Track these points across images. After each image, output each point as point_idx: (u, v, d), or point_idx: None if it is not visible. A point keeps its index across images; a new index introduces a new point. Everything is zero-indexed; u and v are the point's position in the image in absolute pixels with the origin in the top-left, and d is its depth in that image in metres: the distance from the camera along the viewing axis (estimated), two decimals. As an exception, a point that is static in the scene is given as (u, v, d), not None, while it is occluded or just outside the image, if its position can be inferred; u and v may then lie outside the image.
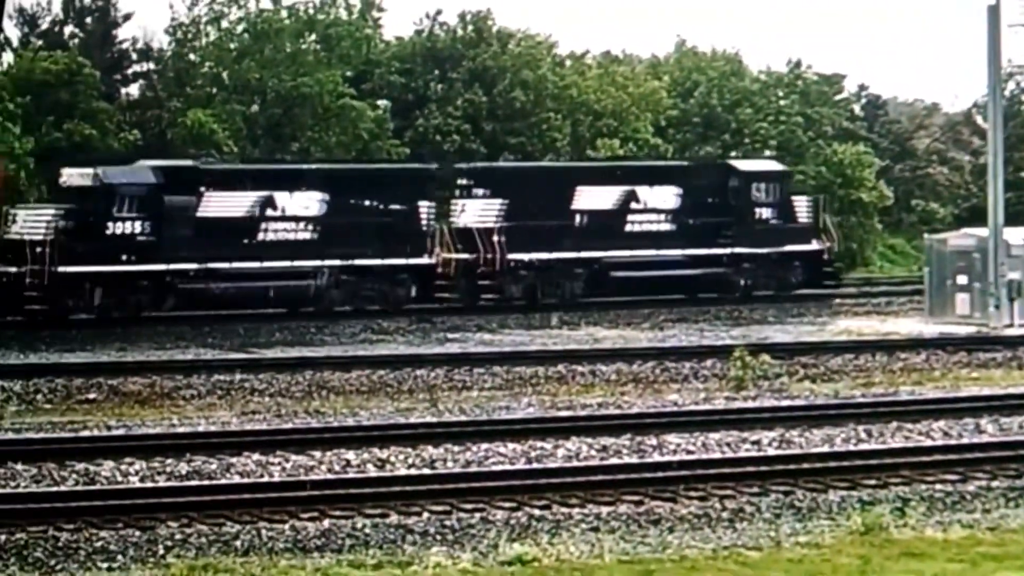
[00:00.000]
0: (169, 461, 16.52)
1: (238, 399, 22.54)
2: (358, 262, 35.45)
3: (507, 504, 14.72)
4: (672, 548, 12.90)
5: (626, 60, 59.72)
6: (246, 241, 34.68)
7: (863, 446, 18.04)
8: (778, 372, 24.80)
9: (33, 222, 33.17)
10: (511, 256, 37.12)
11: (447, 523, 14.03)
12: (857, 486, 15.68)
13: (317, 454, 17.09)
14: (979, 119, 60.08)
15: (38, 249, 32.15)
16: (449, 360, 26.19)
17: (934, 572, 11.40)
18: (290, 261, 34.67)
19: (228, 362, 26.04)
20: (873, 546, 12.50)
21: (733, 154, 50.77)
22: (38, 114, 43.04)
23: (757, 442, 18.24)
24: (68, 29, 49.14)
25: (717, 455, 17.30)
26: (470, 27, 52.70)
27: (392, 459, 17.10)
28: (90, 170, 34.27)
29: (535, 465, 16.70)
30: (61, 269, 32.08)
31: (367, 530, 13.72)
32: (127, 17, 49.16)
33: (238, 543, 13.03)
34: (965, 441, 18.29)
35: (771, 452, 17.51)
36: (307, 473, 16.15)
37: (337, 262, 35.19)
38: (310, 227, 35.41)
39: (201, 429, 19.19)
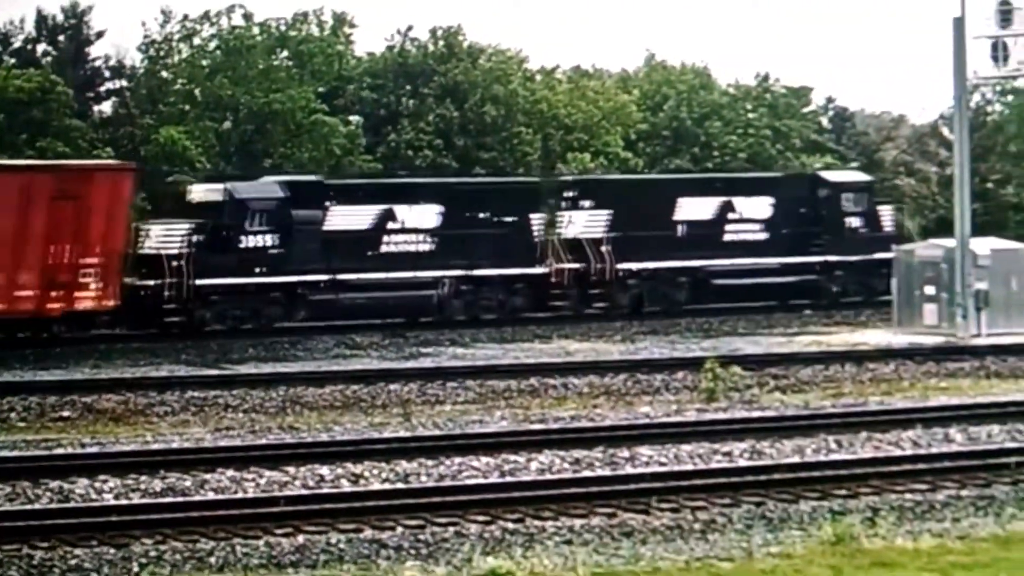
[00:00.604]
0: (143, 478, 16.43)
1: (212, 415, 22.46)
2: (477, 272, 36.55)
3: (481, 518, 14.69)
4: (645, 560, 12.90)
5: (596, 74, 59.81)
6: (369, 253, 35.59)
7: (833, 456, 18.03)
8: (749, 383, 24.79)
9: (168, 237, 33.82)
10: (619, 266, 38.25)
11: (421, 537, 13.99)
12: (828, 496, 15.69)
13: (291, 470, 17.01)
14: (945, 130, 60.25)
15: (174, 263, 32.96)
16: (422, 375, 26.12)
17: (906, 580, 11.42)
18: (411, 272, 35.64)
19: (202, 379, 25.95)
20: (844, 556, 12.50)
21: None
22: (11, 132, 42.83)
23: (728, 453, 18.27)
24: (41, 47, 48.96)
25: (689, 467, 17.29)
26: (441, 43, 52.74)
27: (366, 474, 17.05)
28: (220, 186, 35.50)
29: (508, 479, 16.68)
30: (198, 282, 32.98)
31: (341, 545, 13.66)
32: (100, 35, 49.05)
33: (213, 559, 12.99)
34: (934, 451, 18.34)
35: (742, 463, 17.54)
36: (281, 489, 16.08)
37: (457, 272, 36.29)
38: (429, 239, 36.47)
39: (175, 446, 19.14)
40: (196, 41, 49.10)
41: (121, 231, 32.52)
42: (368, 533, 14.15)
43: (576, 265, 37.99)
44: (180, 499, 15.48)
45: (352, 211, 35.89)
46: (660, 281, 38.72)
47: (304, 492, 15.91)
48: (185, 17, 48.74)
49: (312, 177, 38.95)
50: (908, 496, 15.80)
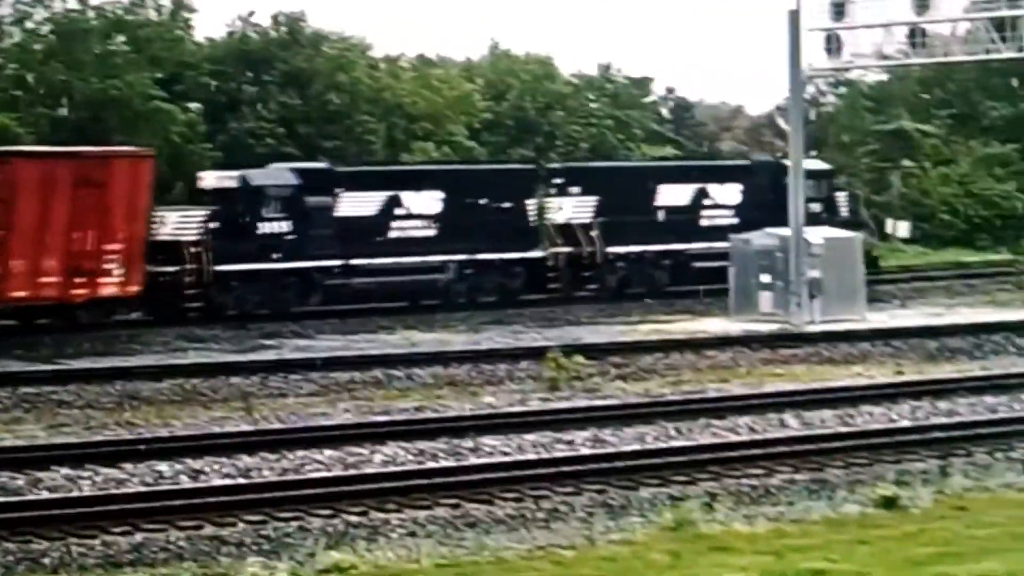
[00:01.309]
0: (-26, 478, 15.99)
1: (46, 412, 21.80)
2: (480, 256, 37.34)
3: (324, 512, 14.60)
4: (488, 550, 12.95)
5: (440, 63, 59.77)
6: (378, 239, 36.27)
7: (673, 443, 18.24)
8: (591, 372, 24.89)
9: (185, 223, 34.00)
10: (608, 249, 39.40)
11: (263, 532, 13.86)
12: (667, 483, 15.91)
13: (129, 467, 16.64)
14: (780, 121, 61.78)
15: (192, 249, 33.21)
16: (265, 367, 25.70)
17: (741, 565, 11.57)
18: (418, 257, 36.40)
19: (35, 374, 25.08)
20: (683, 541, 12.65)
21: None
22: None
23: (571, 442, 18.36)
24: None
25: (532, 456, 17.36)
26: (284, 29, 52.09)
27: (206, 469, 16.78)
28: (234, 173, 36.10)
29: (352, 471, 16.59)
30: (218, 268, 33.38)
31: (181, 543, 13.45)
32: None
33: (47, 560, 12.69)
34: (769, 436, 18.67)
35: (584, 452, 17.65)
36: (118, 486, 15.73)
37: (461, 256, 37.08)
38: (432, 224, 37.23)
39: (7, 444, 18.59)
40: (29, 25, 47.73)
41: (142, 217, 32.66)
42: (209, 530, 13.96)
43: (569, 249, 39.19)
44: (13, 499, 15.04)
45: (360, 197, 36.57)
46: (645, 264, 39.98)
47: (142, 489, 15.59)
48: (17, 1, 47.33)
49: (322, 164, 39.77)
50: (744, 481, 16.09)
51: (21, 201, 30.77)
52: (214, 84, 50.18)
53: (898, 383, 23.37)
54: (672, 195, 41.48)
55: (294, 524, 14.24)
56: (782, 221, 39.98)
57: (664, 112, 67.47)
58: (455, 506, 14.95)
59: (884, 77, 63.91)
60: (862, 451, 17.42)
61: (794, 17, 32.97)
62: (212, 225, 33.93)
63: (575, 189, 40.23)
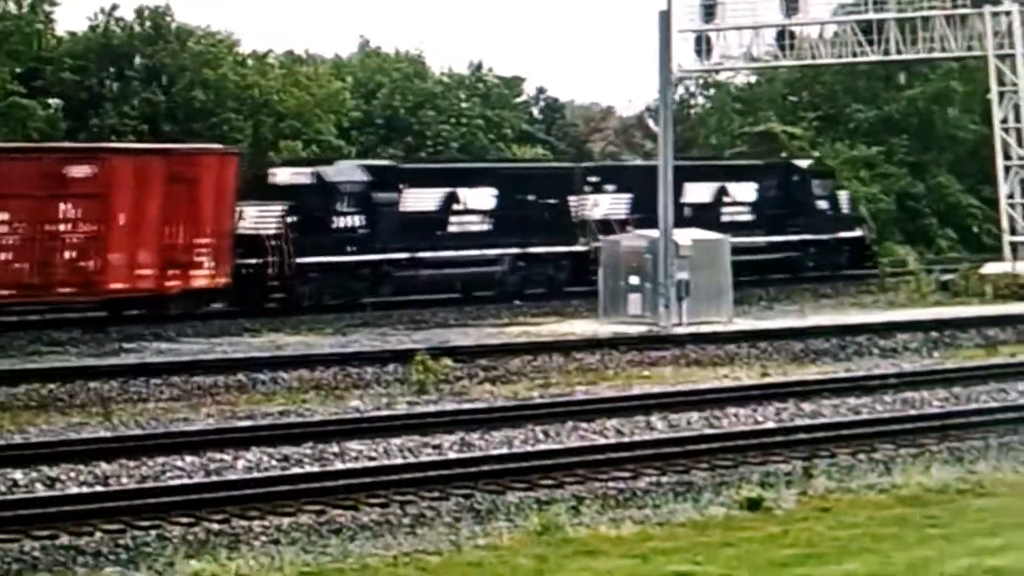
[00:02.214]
0: None
1: None
2: (531, 250, 39.67)
3: (184, 520, 14.40)
4: (353, 557, 12.85)
5: (309, 60, 59.32)
6: (439, 232, 38.30)
7: (540, 447, 18.35)
8: (459, 375, 24.93)
9: (263, 218, 35.42)
10: None
11: (121, 542, 13.62)
12: (535, 487, 15.94)
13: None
14: (650, 122, 62.40)
15: (273, 242, 34.63)
16: (124, 371, 25.18)
17: (608, 569, 11.63)
18: (475, 250, 38.44)
19: None
20: (550, 545, 12.66)
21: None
22: None
23: (438, 446, 18.35)
24: None
25: (399, 461, 17.36)
26: (148, 23, 51.30)
27: (63, 477, 16.46)
28: (306, 169, 38.04)
29: (214, 478, 16.39)
30: (299, 260, 34.99)
31: (35, 553, 13.15)
32: None
33: None
34: (636, 439, 18.78)
35: (451, 456, 17.67)
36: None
37: (515, 250, 39.31)
38: (487, 219, 39.33)
39: None
40: None
41: (228, 212, 34.16)
42: (64, 539, 13.69)
43: None
44: None
45: (423, 193, 38.56)
46: None
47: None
48: None
49: (387, 162, 42.63)
50: (611, 484, 16.19)
51: (117, 197, 32.01)
52: (75, 79, 49.32)
53: (763, 385, 23.72)
54: (697, 192, 44.28)
55: (153, 533, 14.03)
56: (793, 217, 46.05)
57: (535, 112, 67.73)
58: (320, 512, 14.85)
59: (753, 79, 64.98)
60: (728, 453, 17.63)
61: (664, 18, 33.23)
62: (290, 220, 35.47)
63: (610, 187, 42.98)
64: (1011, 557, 11.20)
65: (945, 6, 46.58)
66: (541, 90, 69.07)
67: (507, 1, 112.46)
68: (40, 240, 31.00)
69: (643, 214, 40.80)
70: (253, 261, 34.82)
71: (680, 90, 62.00)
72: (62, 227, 31.38)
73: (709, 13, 48.70)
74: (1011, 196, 44.44)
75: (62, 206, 31.31)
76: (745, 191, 46.03)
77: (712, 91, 67.85)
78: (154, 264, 32.56)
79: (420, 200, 38.36)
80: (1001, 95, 44.78)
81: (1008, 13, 45.67)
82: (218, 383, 24.13)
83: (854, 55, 49.12)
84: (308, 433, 18.87)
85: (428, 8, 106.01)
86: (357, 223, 36.84)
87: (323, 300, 35.79)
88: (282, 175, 37.78)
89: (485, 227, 39.19)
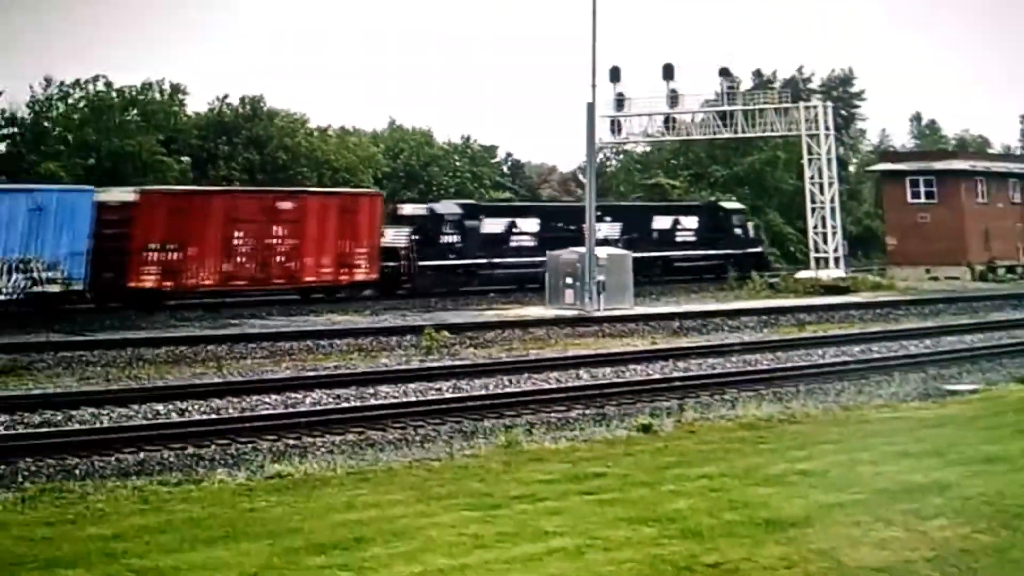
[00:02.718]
0: None
1: None
2: None
3: (270, 437, 14.35)
4: (383, 463, 12.86)
5: (355, 132, 59.16)
6: (504, 247, 39.24)
7: (506, 389, 18.32)
8: (453, 343, 24.89)
9: (397, 236, 36.67)
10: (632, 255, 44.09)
11: (228, 451, 13.47)
12: (502, 416, 16.00)
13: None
14: (581, 176, 62.39)
15: (403, 252, 36.40)
16: (232, 339, 24.40)
17: (550, 470, 11.58)
18: (526, 258, 38.96)
19: None
20: (512, 455, 12.68)
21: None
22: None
23: (439, 389, 18.34)
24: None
25: (413, 399, 17.30)
26: (248, 106, 51.16)
27: (189, 409, 16.18)
28: (422, 205, 40.34)
29: (290, 410, 16.22)
30: (419, 263, 36.66)
31: (171, 459, 13.12)
32: (-1, 93, 45.29)
33: None
34: (570, 384, 18.78)
35: (448, 395, 17.66)
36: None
37: None
38: (533, 239, 40.10)
39: None
40: (70, 101, 46.20)
41: (376, 232, 35.24)
42: (191, 450, 13.66)
43: None
44: None
45: (495, 222, 39.73)
46: (646, 263, 42.14)
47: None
48: (62, 83, 45.96)
49: (472, 201, 44.59)
50: (553, 415, 16.22)
51: (309, 222, 33.35)
52: (199, 144, 48.99)
53: (653, 350, 23.67)
54: (660, 223, 45.25)
55: (249, 446, 13.95)
56: (720, 239, 46.76)
57: (505, 169, 67.63)
58: (360, 432, 14.87)
59: (648, 149, 65.10)
60: (629, 395, 17.64)
61: (590, 108, 33.41)
62: (414, 238, 36.75)
63: (608, 218, 43.00)
64: (813, 463, 11.21)
65: (774, 101, 47.00)
66: (509, 154, 69.11)
67: (487, 90, 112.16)
68: (261, 249, 32.37)
69: (628, 236, 43.06)
70: (391, 264, 36.04)
71: (600, 155, 62.08)
72: (275, 241, 32.79)
73: (620, 104, 48.88)
74: (815, 227, 44.71)
75: (275, 227, 32.73)
76: (691, 222, 46.49)
77: (621, 156, 68.02)
78: (332, 265, 33.83)
79: (493, 226, 39.48)
80: (809, 161, 45.08)
81: (815, 107, 46.18)
82: (293, 347, 24.01)
83: (714, 133, 49.27)
84: (353, 380, 18.84)
85: (435, 97, 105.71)
86: (454, 240, 38.07)
87: (433, 289, 36.47)
88: (407, 209, 39.23)
89: (532, 244, 39.77)
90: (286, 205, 33.24)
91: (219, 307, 31.65)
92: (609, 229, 43.74)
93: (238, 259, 31.70)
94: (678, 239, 45.53)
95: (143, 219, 29.85)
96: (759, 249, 49.11)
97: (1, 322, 25.54)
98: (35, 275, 27.03)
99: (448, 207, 39.79)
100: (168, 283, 30.14)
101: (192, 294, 31.08)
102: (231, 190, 36.97)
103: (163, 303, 30.37)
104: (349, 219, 34.22)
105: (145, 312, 29.36)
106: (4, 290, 26.67)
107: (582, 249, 32.98)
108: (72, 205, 27.79)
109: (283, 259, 32.79)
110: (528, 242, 40.15)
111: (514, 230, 40.00)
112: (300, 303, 33.00)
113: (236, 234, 31.64)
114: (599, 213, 45.14)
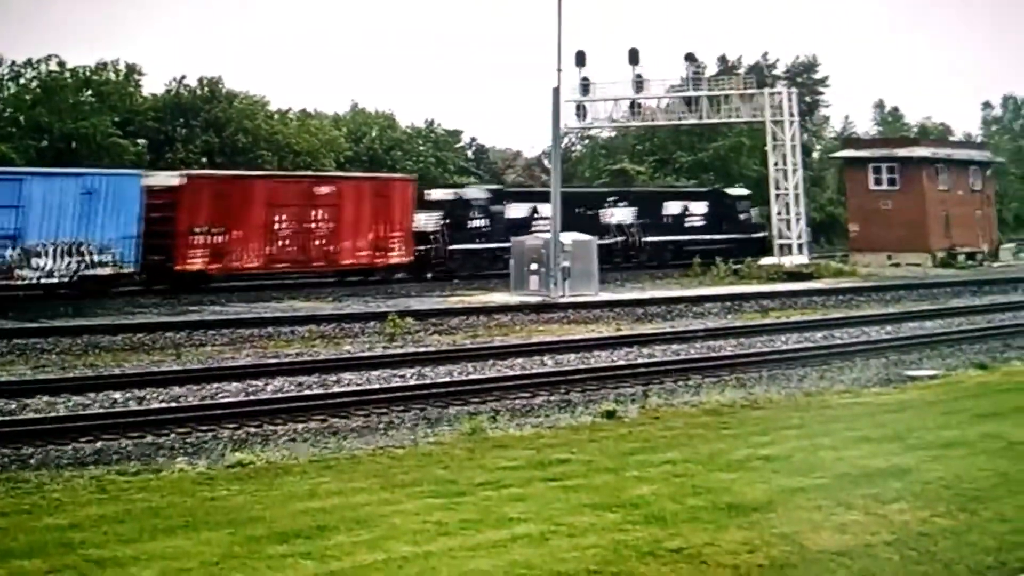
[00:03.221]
0: None
1: None
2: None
3: (231, 425, 14.28)
4: (345, 450, 12.84)
5: (317, 115, 58.64)
6: (527, 231, 39.06)
7: (471, 376, 18.31)
8: (417, 329, 24.81)
9: (428, 221, 37.74)
10: (644, 239, 45.89)
11: (188, 440, 13.37)
12: (467, 403, 15.98)
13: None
14: (546, 161, 62.44)
15: (434, 236, 37.56)
16: (190, 325, 24.32)
17: (514, 457, 11.62)
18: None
19: None
20: (476, 442, 12.70)
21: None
22: None
23: (403, 376, 18.30)
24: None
25: (376, 386, 17.25)
26: (206, 88, 50.52)
27: (148, 397, 16.07)
28: (452, 191, 41.43)
29: (252, 397, 16.17)
30: (451, 247, 38.27)
31: (129, 448, 13.00)
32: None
33: None
34: (534, 371, 18.79)
35: (412, 382, 17.61)
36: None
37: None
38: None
39: None
40: (21, 81, 45.38)
41: (409, 216, 36.34)
42: (149, 438, 13.54)
43: (623, 238, 45.32)
44: None
45: (518, 207, 40.97)
46: (660, 247, 45.15)
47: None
48: (13, 63, 45.16)
49: (497, 186, 46.04)
50: (517, 401, 16.21)
51: (345, 206, 34.43)
52: (156, 126, 48.36)
53: (617, 336, 23.75)
54: (671, 208, 47.38)
55: (209, 434, 13.85)
56: (726, 223, 48.66)
57: (469, 154, 67.43)
58: (323, 420, 14.82)
59: (613, 134, 65.26)
60: (593, 381, 17.68)
61: (555, 92, 33.43)
62: (444, 222, 38.00)
63: (623, 203, 45.58)
64: (776, 448, 11.34)
65: (739, 88, 47.21)
66: (473, 139, 68.86)
67: (452, 73, 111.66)
68: (302, 233, 33.44)
69: (642, 220, 45.37)
70: (423, 247, 37.26)
71: (565, 140, 62.12)
72: (314, 225, 33.85)
73: (585, 88, 48.91)
74: (779, 213, 45.07)
75: (313, 212, 33.81)
76: (700, 207, 48.21)
77: (586, 141, 68.11)
78: (368, 248, 35.16)
79: (516, 211, 40.80)
80: (774, 147, 45.39)
81: (780, 93, 46.46)
82: (254, 333, 23.81)
83: (679, 119, 49.49)
84: (316, 367, 18.74)
85: (398, 77, 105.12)
86: (482, 224, 39.55)
87: (463, 271, 37.73)
88: (436, 194, 40.08)
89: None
90: (323, 190, 34.45)
91: (262, 289, 32.74)
92: (623, 214, 45.91)
93: (280, 242, 32.89)
94: (687, 224, 47.54)
95: (188, 202, 30.66)
96: (763, 234, 50.09)
97: (52, 304, 26.74)
98: (87, 258, 27.72)
99: (475, 193, 41.44)
100: (215, 265, 31.25)
101: (237, 276, 32.31)
102: (272, 175, 38.12)
103: (208, 285, 31.75)
104: (383, 203, 35.34)
105: (192, 293, 30.17)
106: (56, 272, 27.34)
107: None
108: (122, 189, 28.49)
109: (322, 242, 33.96)
110: (548, 225, 42.05)
111: (535, 215, 40.99)
112: (337, 284, 34.41)
113: (277, 218, 32.83)
114: (615, 198, 47.43)
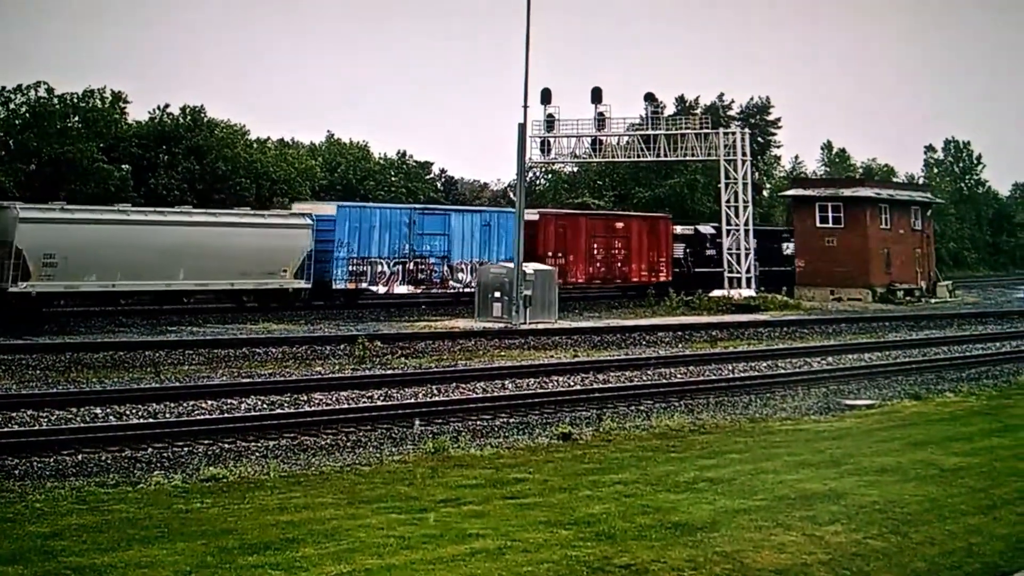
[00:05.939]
0: None
1: None
2: None
3: (206, 441, 14.20)
4: (314, 467, 12.87)
5: (294, 145, 58.53)
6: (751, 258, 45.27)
7: (437, 397, 18.30)
8: (385, 352, 24.78)
9: (679, 250, 45.41)
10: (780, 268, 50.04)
11: (165, 455, 13.26)
12: (431, 423, 16.01)
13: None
14: (511, 194, 62.74)
15: (683, 261, 45.79)
16: (169, 345, 24.01)
17: (475, 475, 11.70)
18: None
19: None
20: (439, 461, 12.75)
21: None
22: None
23: (371, 397, 18.29)
24: None
25: (345, 406, 17.26)
26: (189, 116, 50.29)
27: (127, 412, 15.95)
28: (692, 226, 48.11)
29: (226, 415, 16.08)
30: (694, 270, 46.04)
31: (108, 461, 12.93)
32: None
33: None
34: (495, 394, 18.81)
35: (379, 403, 17.62)
36: None
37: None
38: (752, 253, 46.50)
39: None
40: (11, 106, 44.91)
41: (670, 246, 44.56)
42: (128, 453, 13.48)
43: (790, 267, 49.23)
44: None
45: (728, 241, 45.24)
46: (780, 276, 48.60)
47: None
48: (3, 89, 44.68)
49: (718, 224, 46.62)
50: (479, 423, 16.30)
51: (633, 238, 43.26)
52: (140, 152, 48.04)
53: (575, 363, 23.80)
54: (774, 242, 51.69)
55: (186, 449, 13.81)
56: (697, 256, 49.06)
57: (439, 185, 67.58)
58: (294, 438, 14.79)
59: (575, 169, 65.71)
60: (551, 404, 17.78)
61: (521, 128, 33.66)
62: (687, 250, 46.02)
63: (789, 238, 49.84)
64: (721, 471, 11.50)
65: (695, 127, 47.86)
66: (443, 171, 69.01)
67: (423, 107, 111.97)
68: (607, 258, 42.25)
69: (761, 254, 48.42)
70: (677, 270, 44.61)
71: (530, 174, 62.45)
72: (615, 251, 42.61)
73: (550, 125, 49.29)
74: (729, 248, 45.64)
75: (615, 241, 42.59)
76: (788, 244, 51.73)
77: (550, 175, 68.47)
78: (646, 270, 43.50)
79: (728, 244, 44.61)
80: (726, 185, 46.00)
81: (734, 133, 47.16)
82: (229, 354, 23.65)
83: (638, 156, 49.93)
84: (288, 387, 18.71)
85: (371, 111, 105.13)
86: (712, 253, 45.92)
87: (696, 288, 42.81)
88: (679, 229, 46.40)
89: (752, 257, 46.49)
90: (620, 225, 43.42)
91: (618, 298, 40.29)
92: (790, 247, 50.41)
93: (596, 264, 42.03)
94: (784, 255, 51.99)
95: (541, 234, 40.60)
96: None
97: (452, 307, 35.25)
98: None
99: (707, 229, 47.89)
100: (558, 280, 36.68)
101: (564, 289, 38.40)
102: (588, 213, 47.22)
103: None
104: (653, 237, 43.87)
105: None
106: (464, 281, 37.39)
107: (509, 264, 33.07)
108: (506, 222, 38.23)
109: (619, 265, 42.82)
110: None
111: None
112: (622, 297, 42.76)
113: (594, 246, 41.98)
114: (788, 234, 51.76)
